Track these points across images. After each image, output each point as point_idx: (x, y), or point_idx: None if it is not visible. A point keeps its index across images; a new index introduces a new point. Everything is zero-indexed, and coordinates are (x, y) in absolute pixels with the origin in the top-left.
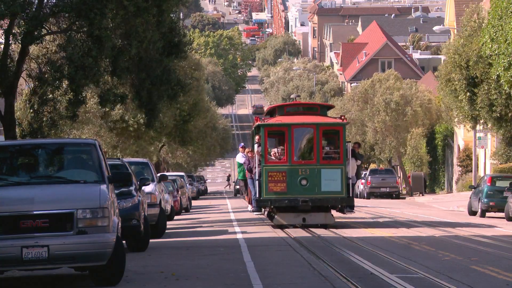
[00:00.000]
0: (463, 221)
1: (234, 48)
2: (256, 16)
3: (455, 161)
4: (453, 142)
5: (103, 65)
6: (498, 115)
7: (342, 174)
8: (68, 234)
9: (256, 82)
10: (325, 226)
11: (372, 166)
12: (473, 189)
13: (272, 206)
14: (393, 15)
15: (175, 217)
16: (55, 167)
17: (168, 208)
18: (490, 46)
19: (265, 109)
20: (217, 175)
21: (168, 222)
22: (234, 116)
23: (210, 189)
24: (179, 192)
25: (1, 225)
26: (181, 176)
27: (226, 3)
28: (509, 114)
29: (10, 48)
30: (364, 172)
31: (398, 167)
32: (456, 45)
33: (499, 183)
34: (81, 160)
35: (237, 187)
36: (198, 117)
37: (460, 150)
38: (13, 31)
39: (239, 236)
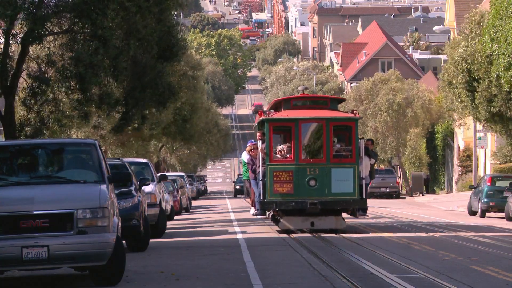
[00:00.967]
0: (462, 221)
1: (234, 48)
2: (256, 16)
3: (455, 161)
4: (453, 142)
5: (106, 65)
6: (497, 110)
7: (355, 174)
8: (68, 234)
9: (256, 82)
10: (335, 231)
11: None
12: (473, 189)
13: (277, 209)
14: (393, 15)
15: (175, 217)
16: (55, 167)
17: (168, 208)
18: (490, 46)
19: (270, 102)
20: (217, 175)
21: (168, 222)
22: (234, 116)
23: (210, 189)
24: (179, 192)
25: (1, 225)
26: (181, 176)
27: (226, 3)
28: (509, 113)
29: (10, 48)
30: None
31: (398, 167)
32: (459, 51)
33: (499, 183)
34: (81, 160)
35: (237, 187)
36: (198, 116)
37: (460, 150)
38: (13, 31)
39: (239, 236)
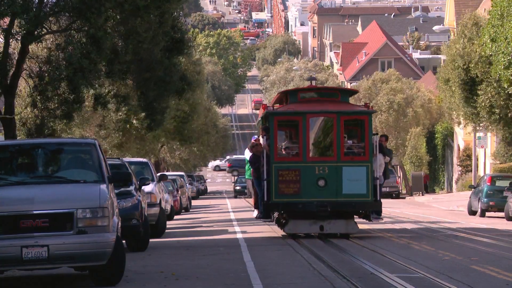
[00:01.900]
0: (462, 221)
1: (234, 48)
2: (256, 16)
3: (455, 161)
4: (453, 142)
5: (100, 67)
6: (498, 116)
7: (368, 173)
8: (68, 234)
9: (256, 82)
10: (346, 236)
11: None
12: (473, 189)
13: (282, 212)
14: (393, 14)
15: (175, 217)
16: (55, 167)
17: (168, 208)
18: (490, 45)
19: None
20: (217, 174)
21: (168, 222)
22: (234, 116)
23: (210, 189)
24: (179, 192)
25: (1, 225)
26: (181, 176)
27: (226, 3)
28: (509, 115)
29: (10, 47)
30: None
31: (398, 166)
32: (456, 47)
33: (499, 183)
34: (81, 160)
35: (237, 187)
36: (198, 117)
37: (460, 150)
38: (13, 30)
39: (239, 235)
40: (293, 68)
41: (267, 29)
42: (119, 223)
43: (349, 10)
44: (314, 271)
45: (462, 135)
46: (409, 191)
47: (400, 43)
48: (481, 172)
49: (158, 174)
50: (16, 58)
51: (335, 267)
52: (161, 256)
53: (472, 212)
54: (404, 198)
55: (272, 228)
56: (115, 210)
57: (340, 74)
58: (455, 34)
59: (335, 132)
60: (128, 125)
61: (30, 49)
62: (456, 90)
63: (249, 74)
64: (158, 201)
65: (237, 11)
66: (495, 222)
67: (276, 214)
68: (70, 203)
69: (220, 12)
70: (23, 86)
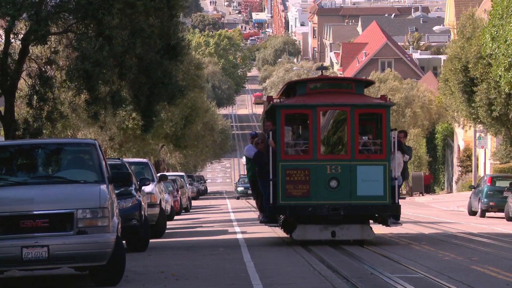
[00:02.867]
0: (462, 221)
1: (234, 48)
2: (256, 16)
3: (455, 161)
4: (453, 142)
5: (111, 63)
6: (498, 114)
7: (386, 173)
8: (68, 234)
9: (256, 82)
10: (361, 243)
11: None
12: (473, 189)
13: (290, 216)
14: (393, 15)
15: (175, 217)
16: (55, 167)
17: (168, 208)
18: (490, 45)
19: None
20: (217, 175)
21: (168, 222)
22: (234, 116)
23: (210, 189)
24: (179, 192)
25: (1, 225)
26: (181, 176)
27: (226, 3)
28: (510, 115)
29: (10, 47)
30: None
31: None
32: (455, 47)
33: (499, 183)
34: (81, 160)
35: (240, 188)
36: (197, 120)
37: (460, 150)
38: (15, 30)
39: (239, 236)
40: (293, 68)
41: (267, 29)
42: (119, 223)
43: (349, 11)
44: (314, 271)
45: (462, 135)
46: (409, 191)
47: (400, 43)
48: (481, 173)
49: (158, 175)
50: (17, 58)
51: (335, 267)
52: (161, 256)
53: (472, 213)
54: (404, 198)
55: (273, 229)
56: (115, 210)
57: (340, 74)
58: (455, 34)
59: (349, 127)
60: (124, 126)
61: (31, 50)
62: (457, 91)
63: (249, 74)
64: (158, 202)
65: (237, 12)
66: (495, 222)
67: (282, 218)
68: (70, 203)
69: (220, 13)
70: (23, 86)
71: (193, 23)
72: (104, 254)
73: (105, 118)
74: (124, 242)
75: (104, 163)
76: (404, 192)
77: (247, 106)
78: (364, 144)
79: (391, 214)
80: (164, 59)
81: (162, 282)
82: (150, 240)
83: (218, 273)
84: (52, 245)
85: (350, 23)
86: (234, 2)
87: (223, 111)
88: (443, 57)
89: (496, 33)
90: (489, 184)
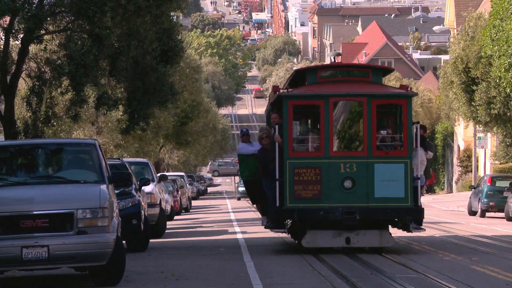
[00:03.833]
0: (463, 221)
1: (234, 48)
2: (256, 16)
3: (455, 161)
4: (453, 142)
5: (102, 65)
6: (497, 112)
7: (407, 172)
8: (68, 234)
9: (256, 82)
10: (379, 251)
11: None
12: (473, 189)
13: (299, 220)
14: (393, 15)
15: (175, 217)
16: (55, 167)
17: (168, 208)
18: (490, 46)
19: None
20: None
21: (168, 222)
22: (234, 116)
23: (210, 189)
24: (179, 192)
25: (1, 225)
26: (181, 176)
27: (226, 3)
28: (508, 114)
29: (10, 47)
30: None
31: None
32: (459, 49)
33: (499, 183)
34: (81, 160)
35: (241, 188)
36: (197, 118)
37: (460, 150)
38: (13, 30)
39: (239, 236)
40: (294, 68)
41: (267, 30)
42: (119, 223)
43: (349, 11)
44: (314, 271)
45: (462, 135)
46: None
47: (400, 43)
48: (481, 173)
49: (158, 175)
50: (16, 58)
51: (335, 267)
52: (161, 256)
53: (472, 213)
54: None
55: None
56: (115, 210)
57: None
58: (455, 35)
59: (366, 120)
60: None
61: (30, 49)
62: (459, 92)
63: (249, 74)
64: (158, 202)
65: (237, 12)
66: (495, 222)
67: (289, 222)
68: (70, 204)
69: (220, 13)
70: (23, 86)
71: (193, 23)
72: (104, 254)
73: (97, 117)
74: (124, 242)
75: (104, 163)
76: None
77: (247, 106)
78: (383, 139)
79: (413, 218)
80: (160, 65)
81: (162, 282)
82: (150, 240)
83: (218, 273)
84: (52, 245)
85: (350, 23)
86: (234, 2)
87: (223, 111)
88: (443, 57)
89: (496, 35)
90: (489, 184)
